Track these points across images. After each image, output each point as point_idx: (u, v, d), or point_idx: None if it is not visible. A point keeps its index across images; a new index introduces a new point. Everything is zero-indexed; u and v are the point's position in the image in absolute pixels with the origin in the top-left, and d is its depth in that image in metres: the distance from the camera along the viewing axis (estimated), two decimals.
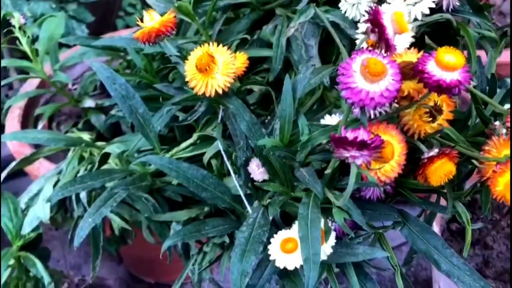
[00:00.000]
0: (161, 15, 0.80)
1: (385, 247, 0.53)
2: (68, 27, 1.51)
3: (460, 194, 0.50)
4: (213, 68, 0.46)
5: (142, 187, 0.61)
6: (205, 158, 0.61)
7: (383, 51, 0.37)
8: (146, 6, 0.83)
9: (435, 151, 0.41)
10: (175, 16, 0.49)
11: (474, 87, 0.48)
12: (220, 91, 0.47)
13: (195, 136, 0.62)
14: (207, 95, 0.47)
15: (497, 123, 0.46)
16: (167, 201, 0.67)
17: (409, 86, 0.39)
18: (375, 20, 0.36)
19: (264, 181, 0.52)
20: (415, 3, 0.45)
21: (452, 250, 0.49)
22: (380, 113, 0.42)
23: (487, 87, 0.50)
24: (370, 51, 0.37)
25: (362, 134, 0.34)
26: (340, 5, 0.53)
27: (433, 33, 0.55)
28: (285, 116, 0.49)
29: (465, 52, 0.53)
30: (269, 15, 0.73)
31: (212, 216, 0.63)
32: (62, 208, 0.80)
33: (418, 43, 0.54)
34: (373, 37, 0.37)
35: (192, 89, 0.48)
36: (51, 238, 1.25)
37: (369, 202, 0.49)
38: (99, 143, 0.81)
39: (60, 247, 1.27)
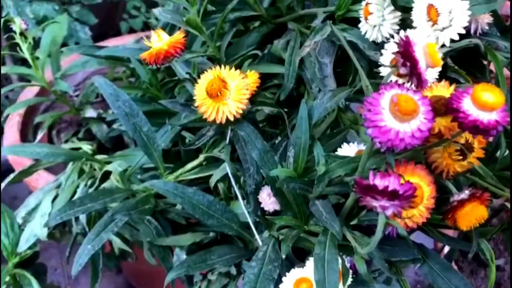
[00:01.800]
0: (165, 26, 0.77)
1: (403, 283, 0.50)
2: (71, 29, 1.48)
3: (486, 232, 0.46)
4: (225, 94, 0.43)
5: (145, 210, 0.58)
6: (212, 181, 0.57)
7: (413, 86, 0.34)
8: (150, 9, 0.80)
9: (466, 193, 0.38)
10: (184, 36, 0.46)
11: None
12: (232, 118, 0.44)
13: (201, 157, 0.59)
14: (218, 122, 0.44)
15: None
16: (170, 223, 0.64)
17: (440, 123, 0.36)
18: (406, 52, 0.33)
19: (275, 211, 0.49)
20: (443, 28, 0.42)
21: None
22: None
23: None
24: (399, 86, 0.34)
25: (393, 183, 0.30)
26: (360, 25, 0.50)
27: (459, 58, 0.52)
28: (300, 144, 0.46)
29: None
30: (280, 29, 0.70)
31: (218, 242, 0.60)
32: (60, 223, 0.77)
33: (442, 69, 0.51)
34: (403, 71, 0.34)
35: (202, 113, 0.44)
36: (49, 246, 1.22)
37: (388, 237, 0.46)
38: (100, 157, 0.78)
39: (58, 255, 1.24)
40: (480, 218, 0.37)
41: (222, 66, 0.45)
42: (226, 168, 0.56)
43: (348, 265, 0.46)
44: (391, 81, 0.35)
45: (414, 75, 0.33)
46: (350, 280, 0.45)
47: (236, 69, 0.66)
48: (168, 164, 0.64)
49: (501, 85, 0.47)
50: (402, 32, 0.44)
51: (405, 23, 0.47)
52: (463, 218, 0.37)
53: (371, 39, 0.49)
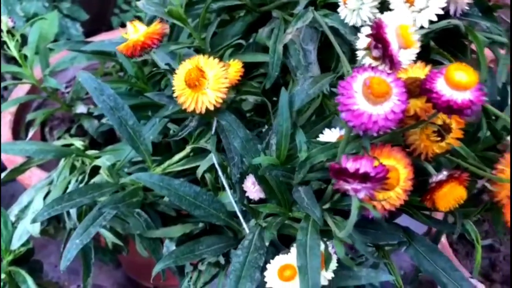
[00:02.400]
0: (152, 19, 0.77)
1: (390, 267, 0.50)
2: (62, 25, 1.48)
3: (469, 213, 0.46)
4: (203, 83, 0.42)
5: (133, 203, 0.58)
6: (199, 172, 0.57)
7: (387, 68, 0.33)
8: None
9: (444, 174, 0.37)
10: (162, 26, 0.46)
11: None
12: (212, 108, 0.44)
13: (188, 148, 0.59)
14: (197, 112, 0.44)
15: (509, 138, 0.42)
16: (160, 216, 0.64)
17: (416, 104, 0.36)
18: (378, 35, 0.33)
19: (260, 199, 0.49)
20: (421, 10, 0.42)
21: (462, 272, 0.46)
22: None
23: (499, 97, 0.47)
24: (372, 68, 0.34)
25: (364, 165, 0.30)
26: (339, 10, 0.50)
27: (440, 39, 0.52)
28: (281, 131, 0.46)
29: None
30: (265, 17, 0.69)
31: (208, 232, 0.60)
32: (54, 219, 0.77)
33: (423, 51, 0.51)
34: (376, 53, 0.33)
35: (181, 104, 0.44)
36: (48, 243, 1.22)
37: (371, 221, 0.46)
38: (90, 152, 0.78)
39: (57, 251, 1.24)
40: (458, 198, 0.37)
41: (201, 55, 0.45)
42: (213, 158, 0.56)
43: (333, 250, 0.46)
44: (364, 64, 0.35)
45: (387, 57, 0.33)
46: (335, 265, 0.45)
47: (221, 59, 0.66)
48: (158, 157, 0.64)
49: (482, 65, 0.47)
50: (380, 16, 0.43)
51: (384, 6, 0.46)
52: (441, 199, 0.37)
53: (350, 24, 0.49)
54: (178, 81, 0.44)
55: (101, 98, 0.57)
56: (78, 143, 0.86)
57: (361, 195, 0.31)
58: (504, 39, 0.49)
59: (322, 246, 0.43)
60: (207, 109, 0.44)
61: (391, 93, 0.32)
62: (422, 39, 0.46)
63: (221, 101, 0.43)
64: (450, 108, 0.32)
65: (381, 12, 0.46)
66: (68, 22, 1.49)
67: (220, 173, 0.55)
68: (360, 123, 0.32)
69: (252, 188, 0.49)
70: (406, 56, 0.37)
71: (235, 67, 0.56)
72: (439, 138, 0.37)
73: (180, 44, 0.67)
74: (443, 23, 0.45)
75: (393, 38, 0.33)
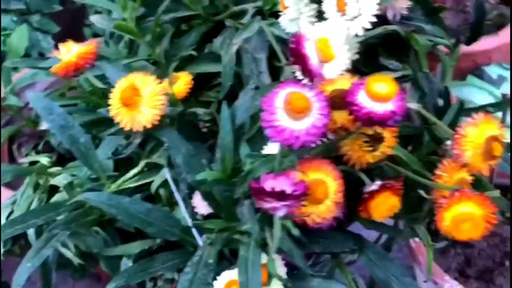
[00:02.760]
0: (102, 34, 0.77)
1: (344, 275, 0.50)
2: (33, 39, 1.46)
3: (417, 218, 0.46)
4: (138, 101, 0.42)
5: (88, 222, 0.57)
6: (153, 188, 0.57)
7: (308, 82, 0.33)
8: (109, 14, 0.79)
9: (377, 184, 0.37)
10: (95, 46, 0.45)
11: (425, 102, 0.44)
12: (149, 126, 0.43)
13: (142, 163, 0.58)
14: (134, 130, 0.43)
15: (449, 142, 0.42)
16: (119, 232, 0.63)
17: (342, 116, 0.35)
18: (296, 50, 0.32)
19: (209, 214, 0.49)
20: (354, 18, 0.41)
21: (411, 278, 0.46)
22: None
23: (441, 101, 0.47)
24: (295, 83, 0.33)
25: (281, 183, 0.30)
26: (280, 19, 0.49)
27: (385, 44, 0.51)
28: (224, 145, 0.45)
29: None
30: (219, 26, 0.69)
31: (166, 247, 0.60)
32: (21, 237, 0.76)
33: (368, 57, 0.51)
34: (297, 68, 0.33)
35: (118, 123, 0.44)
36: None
37: (320, 230, 0.46)
38: (53, 169, 0.77)
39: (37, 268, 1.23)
40: (392, 208, 0.37)
41: (134, 73, 0.44)
42: (166, 173, 0.55)
43: (283, 262, 0.46)
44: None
45: (306, 72, 0.33)
46: (285, 276, 0.44)
47: (176, 70, 0.66)
48: (114, 174, 0.64)
49: (423, 68, 0.47)
50: (316, 25, 0.43)
51: (322, 15, 0.46)
52: (375, 209, 0.37)
53: (292, 33, 0.49)
54: (114, 100, 0.43)
55: (50, 117, 0.57)
56: (45, 159, 0.85)
57: (281, 213, 0.30)
58: (446, 41, 0.49)
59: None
60: (145, 127, 0.43)
61: (311, 108, 0.32)
62: (360, 46, 0.45)
63: (158, 118, 0.43)
64: (371, 120, 0.32)
65: (319, 21, 0.46)
66: (39, 35, 1.47)
67: (173, 188, 0.55)
68: (283, 139, 0.32)
69: (200, 204, 0.49)
70: (336, 67, 0.37)
71: (184, 80, 0.56)
72: (371, 148, 0.37)
73: (134, 58, 0.67)
74: (379, 29, 0.44)
75: (313, 52, 0.33)
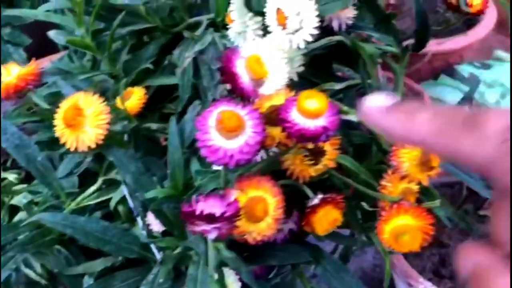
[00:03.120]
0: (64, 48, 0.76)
1: (304, 285, 0.50)
2: (4, 52, 1.44)
3: (371, 226, 0.46)
4: (81, 122, 0.41)
5: (47, 242, 0.56)
6: (111, 204, 0.56)
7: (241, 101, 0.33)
8: None
9: (318, 198, 0.37)
10: (37, 66, 0.44)
11: None
12: (93, 146, 0.43)
13: (100, 180, 0.58)
14: (80, 151, 0.43)
15: None
16: (83, 250, 0.62)
17: (280, 132, 0.35)
18: (226, 69, 0.32)
19: (163, 232, 0.48)
20: (296, 31, 0.41)
21: None
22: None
23: None
24: (229, 101, 0.33)
25: (212, 205, 0.30)
26: (228, 32, 0.49)
27: (335, 53, 0.51)
28: (174, 161, 0.45)
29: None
30: (179, 38, 0.68)
31: (129, 264, 0.59)
32: None
33: (319, 68, 0.51)
34: (228, 87, 0.33)
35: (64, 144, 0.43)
36: None
37: (276, 243, 0.46)
38: (19, 186, 0.76)
39: None
40: (333, 222, 0.37)
41: (81, 92, 0.43)
42: (123, 190, 0.55)
43: (237, 277, 0.45)
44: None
45: (237, 90, 0.32)
46: None
47: (135, 83, 0.65)
48: (75, 191, 0.63)
49: (372, 77, 0.47)
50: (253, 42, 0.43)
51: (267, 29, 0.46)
52: (317, 224, 0.37)
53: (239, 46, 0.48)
54: (58, 121, 0.43)
55: (5, 137, 0.56)
56: (12, 176, 0.84)
57: (212, 236, 0.30)
58: (394, 49, 0.49)
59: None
60: (89, 147, 0.43)
61: (244, 126, 0.32)
62: (307, 58, 0.45)
63: (102, 137, 0.42)
64: (303, 137, 0.32)
65: (265, 35, 0.45)
66: (10, 48, 1.46)
67: (131, 204, 0.54)
68: (217, 158, 0.32)
69: (154, 221, 0.48)
70: (272, 83, 0.37)
71: (137, 95, 0.55)
72: (312, 162, 0.37)
73: (91, 72, 0.66)
74: (324, 41, 0.44)
75: (243, 70, 0.33)
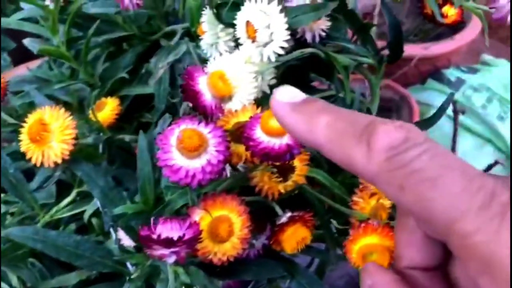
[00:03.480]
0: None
1: None
2: None
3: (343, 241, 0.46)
4: (46, 137, 0.40)
5: (18, 256, 0.55)
6: (85, 217, 0.55)
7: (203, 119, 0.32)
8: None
9: (286, 216, 0.36)
10: (2, 81, 0.43)
11: None
12: (59, 160, 0.42)
13: (74, 192, 0.57)
14: (46, 166, 0.42)
15: None
16: (57, 263, 0.61)
17: (245, 150, 0.34)
18: (187, 86, 0.31)
19: (136, 247, 0.47)
20: (266, 44, 0.40)
21: None
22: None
23: None
24: (191, 118, 0.32)
25: (170, 228, 0.29)
26: (201, 43, 0.48)
27: (310, 64, 0.51)
28: (143, 176, 0.44)
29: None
30: (156, 46, 0.68)
31: (102, 278, 0.58)
32: None
33: (294, 79, 0.50)
34: (189, 104, 0.32)
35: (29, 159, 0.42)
36: None
37: (248, 258, 0.45)
38: None
39: None
40: (302, 240, 0.36)
41: (47, 107, 0.42)
42: (97, 203, 0.54)
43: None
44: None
45: (199, 108, 0.32)
46: None
47: (111, 92, 0.64)
48: (50, 202, 0.62)
49: (346, 88, 0.47)
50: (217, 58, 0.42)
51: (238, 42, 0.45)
52: (286, 242, 0.36)
53: (212, 57, 0.48)
54: (23, 136, 0.42)
55: None
56: None
57: (171, 260, 0.29)
58: (370, 60, 0.48)
59: None
60: (56, 163, 0.42)
61: (205, 145, 0.31)
62: (280, 70, 0.45)
63: (67, 152, 0.41)
64: (268, 156, 0.31)
65: (237, 46, 0.45)
66: None
67: (104, 217, 0.53)
68: (179, 178, 0.31)
69: (125, 236, 0.47)
70: (238, 99, 0.36)
71: (111, 106, 0.54)
72: (280, 179, 0.36)
73: (68, 82, 0.65)
74: (296, 53, 0.44)
75: (205, 87, 0.32)
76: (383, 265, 0.33)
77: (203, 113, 0.32)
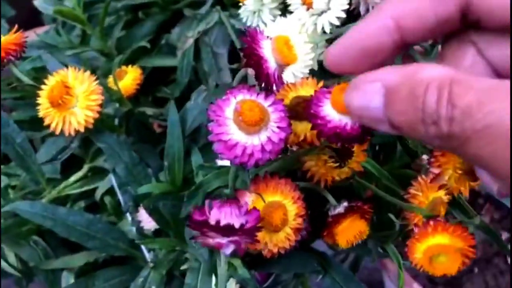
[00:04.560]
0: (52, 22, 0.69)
1: None
2: None
3: (388, 236, 0.42)
4: (69, 101, 0.36)
5: (23, 233, 0.51)
6: (97, 195, 0.51)
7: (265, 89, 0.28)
8: None
9: (343, 206, 0.32)
10: (20, 36, 0.39)
11: None
12: (82, 129, 0.37)
13: (85, 168, 0.52)
14: (67, 134, 0.37)
15: (425, 156, 0.38)
16: (63, 242, 0.57)
17: (306, 128, 0.30)
18: (251, 49, 0.27)
19: (156, 231, 0.43)
20: (322, 12, 0.36)
21: None
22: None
23: None
24: (249, 89, 0.28)
25: (228, 214, 0.25)
26: (240, 11, 0.44)
27: None
28: (173, 153, 0.40)
29: None
30: (178, 16, 0.63)
31: (112, 261, 0.54)
32: None
33: None
34: (251, 71, 0.28)
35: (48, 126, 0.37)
36: None
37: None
38: None
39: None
40: (359, 234, 0.32)
41: (70, 68, 0.38)
42: (112, 179, 0.49)
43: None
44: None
45: (261, 76, 0.27)
46: None
47: (128, 63, 0.60)
48: (57, 177, 0.57)
49: None
50: (279, 19, 0.38)
51: (287, 8, 0.41)
52: (341, 235, 0.32)
53: (253, 26, 0.43)
54: (42, 100, 0.37)
55: None
56: None
57: (228, 251, 0.25)
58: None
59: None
60: (78, 131, 0.37)
61: (267, 120, 0.27)
62: (328, 45, 0.40)
63: (92, 120, 0.37)
64: (338, 136, 0.27)
65: (283, 14, 0.40)
66: None
67: (119, 196, 0.49)
68: (234, 156, 0.27)
69: (146, 219, 0.43)
70: (299, 70, 0.32)
71: (132, 75, 0.49)
72: (337, 164, 0.32)
73: (80, 48, 0.60)
74: (351, 26, 0.39)
75: (269, 53, 0.27)
76: (452, 270, 0.30)
77: (265, 83, 0.27)
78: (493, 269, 0.84)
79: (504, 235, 0.85)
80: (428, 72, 0.19)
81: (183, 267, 0.38)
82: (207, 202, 0.25)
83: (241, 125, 0.26)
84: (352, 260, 0.49)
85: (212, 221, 0.24)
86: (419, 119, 0.19)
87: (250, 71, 0.28)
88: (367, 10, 0.42)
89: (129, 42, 0.62)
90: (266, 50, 0.27)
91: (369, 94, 0.21)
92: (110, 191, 0.51)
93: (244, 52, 0.27)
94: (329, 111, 0.27)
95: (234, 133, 0.27)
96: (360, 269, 1.02)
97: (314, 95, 0.28)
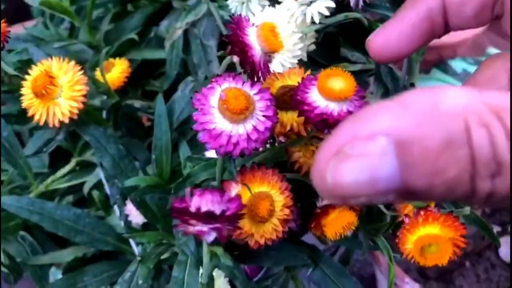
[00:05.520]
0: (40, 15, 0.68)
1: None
2: None
3: (379, 228, 0.41)
4: (53, 91, 0.35)
5: (10, 228, 0.50)
6: (85, 189, 0.50)
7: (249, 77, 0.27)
8: None
9: None
10: (6, 26, 0.38)
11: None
12: (67, 120, 0.36)
13: (73, 161, 0.51)
14: (51, 125, 0.37)
15: None
16: (51, 237, 0.56)
17: (292, 118, 0.30)
18: (235, 37, 0.26)
19: (144, 224, 0.43)
20: (311, 2, 0.36)
21: None
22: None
23: None
24: (234, 77, 0.27)
25: (209, 202, 0.24)
26: (228, 2, 0.43)
27: (346, 33, 0.46)
28: (160, 145, 0.39)
29: None
30: (167, 8, 0.62)
31: (101, 256, 0.53)
32: None
33: (327, 48, 0.45)
34: (236, 59, 0.27)
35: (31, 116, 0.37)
36: None
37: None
38: None
39: None
40: (347, 225, 0.32)
41: (54, 58, 0.37)
42: (100, 173, 0.49)
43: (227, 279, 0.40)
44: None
45: (247, 64, 0.27)
46: None
47: (116, 56, 0.59)
48: (45, 171, 0.56)
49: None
50: (265, 10, 0.37)
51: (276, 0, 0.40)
52: (329, 227, 0.32)
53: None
54: (26, 90, 0.36)
55: None
56: None
57: (210, 238, 0.25)
58: None
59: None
60: (62, 122, 0.36)
61: (252, 108, 0.26)
62: (317, 36, 0.40)
63: (76, 111, 0.36)
64: (325, 122, 0.26)
65: (272, 5, 0.40)
66: None
67: (107, 190, 0.48)
68: (219, 145, 0.26)
69: (134, 212, 0.42)
70: (286, 59, 0.31)
71: (120, 67, 0.49)
72: None
73: (68, 41, 0.59)
74: (340, 16, 0.39)
75: (255, 40, 0.27)
76: (443, 260, 0.29)
77: (251, 71, 0.27)
78: (484, 262, 0.84)
79: (496, 229, 0.86)
80: (454, 100, 0.13)
81: (166, 260, 0.38)
82: (187, 189, 0.25)
83: (226, 114, 0.26)
84: (343, 253, 0.49)
85: (193, 209, 0.24)
86: (468, 175, 0.14)
87: (236, 59, 0.27)
88: (356, 3, 0.41)
89: (117, 35, 0.61)
90: (252, 37, 0.27)
91: (372, 159, 0.15)
92: (98, 185, 0.51)
93: (229, 39, 0.26)
94: (316, 97, 0.27)
95: (219, 122, 0.26)
96: (352, 262, 1.02)
97: (301, 82, 0.27)
